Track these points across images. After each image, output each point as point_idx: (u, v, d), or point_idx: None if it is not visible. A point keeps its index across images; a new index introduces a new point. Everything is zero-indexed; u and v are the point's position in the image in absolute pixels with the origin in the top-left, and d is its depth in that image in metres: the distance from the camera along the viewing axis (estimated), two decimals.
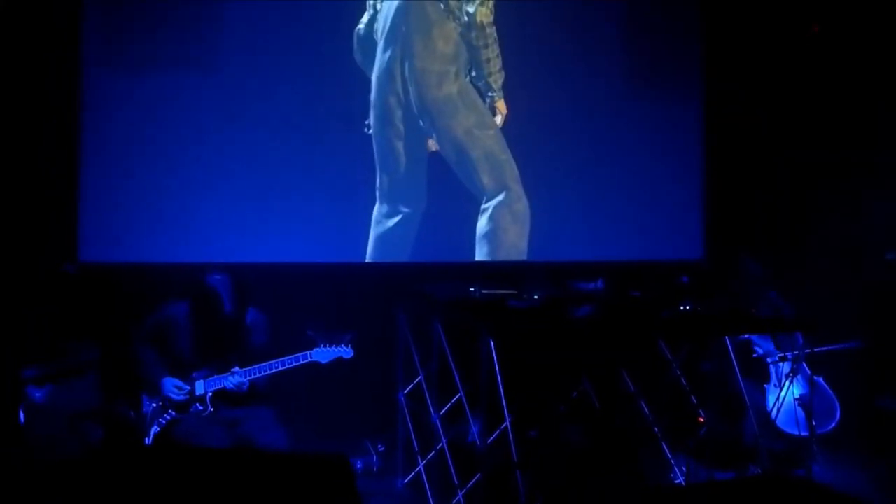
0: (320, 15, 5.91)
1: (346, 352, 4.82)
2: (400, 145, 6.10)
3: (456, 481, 4.81)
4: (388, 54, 6.03)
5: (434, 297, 5.04)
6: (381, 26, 6.08)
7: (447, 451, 4.90)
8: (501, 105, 6.24)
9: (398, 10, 6.04)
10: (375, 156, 6.08)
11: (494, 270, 5.93)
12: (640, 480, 5.18)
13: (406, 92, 6.05)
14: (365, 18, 6.08)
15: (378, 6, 6.07)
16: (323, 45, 5.90)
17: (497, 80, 6.21)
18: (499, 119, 6.25)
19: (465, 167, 6.13)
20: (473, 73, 6.16)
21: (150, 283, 5.31)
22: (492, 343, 4.39)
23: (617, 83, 6.37)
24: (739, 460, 5.35)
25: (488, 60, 6.15)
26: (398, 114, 6.07)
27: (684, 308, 4.79)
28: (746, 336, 5.52)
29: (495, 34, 6.15)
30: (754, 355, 5.56)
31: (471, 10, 6.08)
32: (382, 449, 5.56)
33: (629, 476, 5.18)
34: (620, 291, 5.01)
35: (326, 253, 5.92)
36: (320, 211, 5.91)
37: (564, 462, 5.15)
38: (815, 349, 5.39)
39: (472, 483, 4.74)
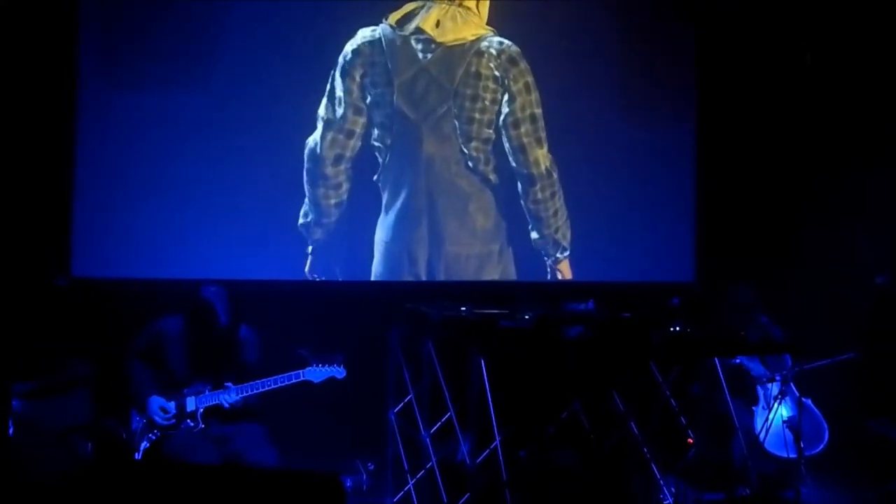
0: (313, 35, 5.93)
1: (338, 372, 4.82)
2: None
3: (445, 500, 4.81)
4: (410, 234, 5.12)
5: (426, 315, 5.05)
6: (389, 190, 5.10)
7: (437, 469, 4.90)
8: (566, 268, 5.28)
9: (416, 189, 5.11)
10: None
11: (486, 290, 5.94)
12: (630, 502, 5.19)
13: (432, 273, 5.20)
14: (336, 122, 5.08)
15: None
16: (316, 66, 5.92)
17: (566, 233, 5.30)
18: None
19: None
20: (535, 236, 5.28)
21: (142, 299, 5.32)
22: (482, 362, 4.40)
23: (610, 106, 6.40)
24: (729, 482, 5.35)
25: (556, 213, 5.21)
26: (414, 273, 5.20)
27: (675, 330, 4.81)
28: (738, 361, 5.54)
29: (557, 173, 5.24)
30: (752, 373, 5.56)
31: (529, 159, 5.15)
32: (372, 467, 5.55)
33: (619, 498, 5.19)
34: (611, 313, 5.03)
35: (321, 271, 5.93)
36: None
37: (554, 482, 5.15)
38: (811, 365, 5.39)
39: (461, 502, 4.73)
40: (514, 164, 5.43)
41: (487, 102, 5.42)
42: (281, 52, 5.86)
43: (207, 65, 5.81)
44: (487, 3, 5.88)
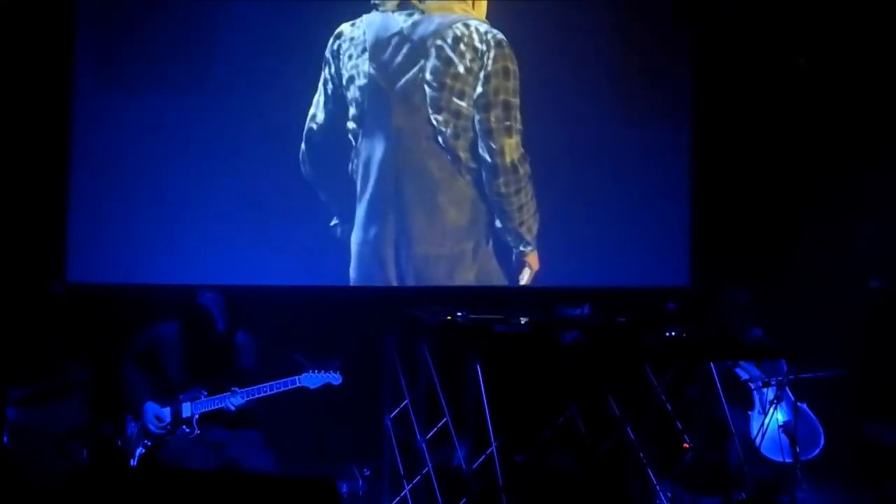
0: (312, 41, 5.93)
1: (334, 378, 4.83)
2: None
3: None
4: (373, 231, 4.75)
5: (422, 321, 5.05)
6: (360, 177, 4.73)
7: (433, 475, 4.90)
8: (533, 259, 5.05)
9: (385, 163, 4.68)
10: None
11: (482, 295, 5.94)
12: None
13: (402, 277, 4.94)
14: (319, 116, 4.85)
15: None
16: (315, 68, 5.92)
17: (532, 227, 5.05)
18: (525, 276, 5.13)
19: None
20: (499, 225, 5.01)
21: (137, 305, 5.32)
22: (478, 367, 4.41)
23: (605, 108, 6.40)
24: (725, 487, 5.36)
25: (521, 207, 4.93)
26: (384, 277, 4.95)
27: (670, 334, 4.82)
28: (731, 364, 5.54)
29: (529, 169, 4.97)
30: (741, 378, 5.57)
31: (494, 146, 4.80)
32: (368, 473, 5.54)
33: (615, 502, 5.19)
34: (607, 317, 5.03)
35: (316, 276, 5.93)
36: (310, 234, 5.92)
37: (551, 487, 5.16)
38: (799, 376, 5.41)
39: None
40: (480, 152, 5.14)
41: (461, 70, 5.08)
42: (280, 54, 5.85)
43: (205, 67, 5.80)
44: (484, 2, 5.86)
